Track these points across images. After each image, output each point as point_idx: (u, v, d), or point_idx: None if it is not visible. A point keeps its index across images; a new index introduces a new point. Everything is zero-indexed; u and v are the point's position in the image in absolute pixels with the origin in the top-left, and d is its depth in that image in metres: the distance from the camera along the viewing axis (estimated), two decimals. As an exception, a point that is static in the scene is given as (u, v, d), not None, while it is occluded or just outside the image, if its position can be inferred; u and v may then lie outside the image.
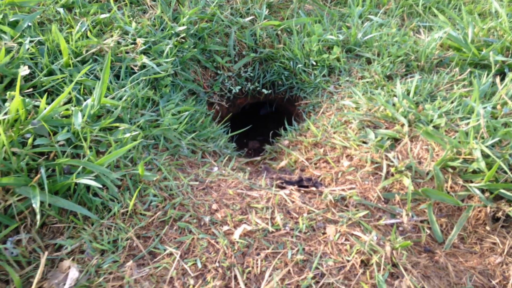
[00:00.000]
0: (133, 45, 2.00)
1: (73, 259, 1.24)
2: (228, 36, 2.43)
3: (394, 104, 1.96)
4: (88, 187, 1.40)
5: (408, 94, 2.02)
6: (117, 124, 1.58)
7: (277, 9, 2.73)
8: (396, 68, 2.27)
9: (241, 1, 2.65)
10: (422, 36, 2.68)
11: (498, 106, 1.89)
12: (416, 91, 2.05)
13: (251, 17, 2.52)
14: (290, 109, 2.51)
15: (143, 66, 1.94)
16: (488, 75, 2.16)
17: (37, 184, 1.32)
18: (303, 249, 1.30)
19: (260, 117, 2.94)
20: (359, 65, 2.39)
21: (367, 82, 2.22)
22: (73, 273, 1.18)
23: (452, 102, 1.94)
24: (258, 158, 1.99)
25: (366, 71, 2.31)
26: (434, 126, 1.79)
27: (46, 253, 1.21)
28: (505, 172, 1.56)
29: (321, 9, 2.89)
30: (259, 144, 2.62)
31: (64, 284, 1.17)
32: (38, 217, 1.20)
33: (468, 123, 1.76)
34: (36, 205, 1.23)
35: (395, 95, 2.04)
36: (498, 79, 2.04)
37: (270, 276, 1.21)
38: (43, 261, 1.19)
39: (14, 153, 1.36)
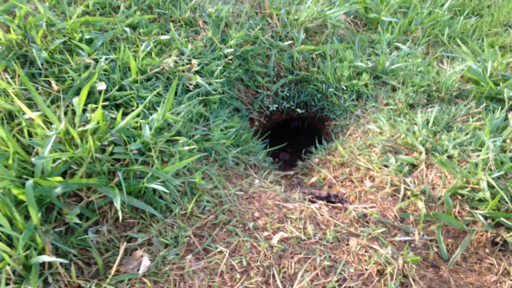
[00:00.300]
0: (188, 65, 2.29)
1: (143, 250, 1.54)
2: (268, 58, 2.70)
3: (414, 133, 2.21)
4: (154, 190, 1.69)
5: (428, 123, 2.27)
6: (177, 138, 1.88)
7: (313, 33, 2.99)
8: (419, 98, 2.52)
9: (281, 24, 2.92)
10: (444, 66, 2.92)
11: (508, 141, 2.13)
12: (435, 121, 2.29)
13: (290, 41, 2.80)
14: (320, 127, 2.78)
15: (197, 85, 2.23)
16: (502, 109, 2.39)
17: (115, 185, 1.62)
18: (330, 256, 1.57)
19: (290, 129, 3.21)
20: (385, 92, 2.64)
21: (391, 109, 2.47)
22: (146, 261, 1.48)
23: (466, 134, 2.18)
24: (291, 173, 2.26)
25: (391, 98, 2.56)
26: (448, 156, 2.04)
27: (125, 243, 1.51)
28: (507, 202, 1.80)
29: (353, 34, 3.14)
30: (289, 156, 2.90)
31: (138, 270, 1.47)
32: (120, 213, 1.50)
33: (478, 155, 2.01)
34: (117, 204, 1.52)
35: (415, 124, 2.29)
36: (510, 114, 2.27)
37: (302, 277, 1.49)
38: (122, 249, 1.49)
39: (96, 158, 1.66)
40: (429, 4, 3.74)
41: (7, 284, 1.35)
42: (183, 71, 2.27)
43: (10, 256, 1.36)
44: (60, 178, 1.53)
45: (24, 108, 1.65)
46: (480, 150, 2.06)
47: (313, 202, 1.83)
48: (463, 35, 3.40)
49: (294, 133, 3.12)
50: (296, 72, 2.74)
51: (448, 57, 3.10)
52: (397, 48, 3.10)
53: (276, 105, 2.66)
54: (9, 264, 1.37)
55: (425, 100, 2.53)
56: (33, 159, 1.55)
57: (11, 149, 1.54)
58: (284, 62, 2.73)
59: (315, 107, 2.74)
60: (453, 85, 2.62)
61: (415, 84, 2.62)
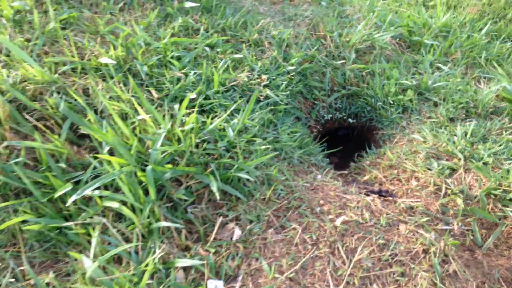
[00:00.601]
0: (258, 79, 2.71)
1: (234, 224, 1.94)
2: (324, 75, 3.10)
3: (454, 142, 2.54)
4: (239, 179, 2.09)
5: (466, 135, 2.60)
6: (254, 139, 2.28)
7: (362, 53, 3.38)
8: (458, 113, 2.85)
9: (334, 45, 3.32)
10: (481, 85, 3.24)
11: (538, 152, 2.43)
12: (472, 134, 2.62)
13: (342, 61, 3.19)
14: (368, 136, 3.13)
15: (266, 96, 2.64)
16: (534, 125, 2.69)
17: (210, 173, 2.03)
18: (383, 237, 1.93)
19: (338, 137, 3.57)
20: (427, 107, 2.98)
21: (434, 122, 2.81)
22: (237, 231, 1.88)
23: (500, 145, 2.50)
24: (346, 172, 2.63)
25: (433, 112, 2.91)
26: (483, 163, 2.37)
27: (221, 217, 1.92)
28: (535, 202, 2.12)
29: (398, 55, 3.51)
30: (338, 160, 3.25)
31: (231, 238, 1.87)
32: (217, 194, 1.90)
33: (510, 163, 2.32)
34: (214, 188, 1.92)
35: (455, 135, 2.62)
36: (542, 130, 2.58)
37: (361, 250, 1.85)
38: (218, 221, 1.89)
39: (193, 152, 2.08)
40: (467, 29, 4.07)
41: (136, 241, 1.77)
42: (254, 85, 2.69)
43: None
44: (170, 166, 1.96)
45: (141, 111, 2.09)
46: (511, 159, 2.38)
47: (368, 195, 2.19)
48: (499, 58, 3.70)
49: (342, 140, 3.48)
50: (348, 87, 3.12)
51: (485, 77, 3.41)
52: (438, 68, 3.44)
53: (330, 115, 3.04)
54: (137, 228, 1.79)
55: (464, 115, 2.86)
56: (150, 150, 1.98)
57: (133, 142, 1.98)
58: (337, 78, 3.12)
59: (364, 118, 3.10)
60: (489, 103, 2.93)
61: (454, 101, 2.95)
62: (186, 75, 2.54)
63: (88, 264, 1.62)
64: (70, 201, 1.77)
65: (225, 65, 2.69)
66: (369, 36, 3.46)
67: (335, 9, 4.01)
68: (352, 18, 3.88)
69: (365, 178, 2.46)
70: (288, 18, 3.64)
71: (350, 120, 3.10)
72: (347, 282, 1.75)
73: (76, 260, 1.73)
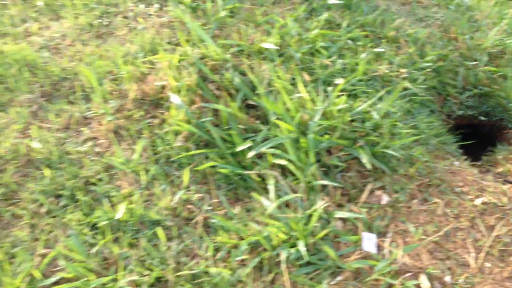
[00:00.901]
0: (397, 72, 2.95)
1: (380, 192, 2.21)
2: (456, 74, 3.26)
3: None
4: (384, 155, 2.35)
5: None
6: (396, 123, 2.53)
7: (493, 57, 3.47)
8: None
9: (466, 47, 3.45)
10: None
11: None
12: None
13: (474, 62, 3.32)
14: (496, 134, 3.24)
15: (404, 88, 2.87)
16: None
17: (359, 148, 2.32)
18: (521, 219, 2.09)
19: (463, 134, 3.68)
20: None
21: None
22: (385, 197, 2.15)
23: None
24: (479, 163, 2.79)
25: None
26: None
27: (370, 184, 2.20)
28: None
29: (530, 61, 3.55)
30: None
31: (379, 202, 2.14)
32: (368, 165, 2.18)
33: None
34: (365, 160, 2.19)
35: None
36: None
37: (499, 228, 2.03)
38: (369, 186, 2.18)
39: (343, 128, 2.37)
40: None
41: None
42: (393, 77, 2.93)
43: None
44: (328, 136, 2.28)
45: (302, 89, 2.43)
46: None
47: (504, 184, 2.35)
48: None
49: (468, 137, 3.57)
50: (480, 87, 3.24)
51: None
52: None
53: (462, 112, 3.19)
54: (301, 182, 2.13)
55: None
56: (310, 122, 2.31)
57: (296, 114, 2.31)
58: (469, 78, 3.26)
59: (495, 117, 3.21)
60: None
61: None
62: (333, 63, 2.85)
63: (267, 204, 1.99)
64: (250, 154, 2.16)
65: (367, 57, 2.96)
66: (501, 41, 3.54)
67: (464, 13, 4.11)
68: (482, 23, 3.96)
69: (499, 170, 2.60)
70: (419, 19, 3.82)
71: (481, 118, 3.22)
72: (487, 252, 1.95)
73: (252, 201, 2.11)
